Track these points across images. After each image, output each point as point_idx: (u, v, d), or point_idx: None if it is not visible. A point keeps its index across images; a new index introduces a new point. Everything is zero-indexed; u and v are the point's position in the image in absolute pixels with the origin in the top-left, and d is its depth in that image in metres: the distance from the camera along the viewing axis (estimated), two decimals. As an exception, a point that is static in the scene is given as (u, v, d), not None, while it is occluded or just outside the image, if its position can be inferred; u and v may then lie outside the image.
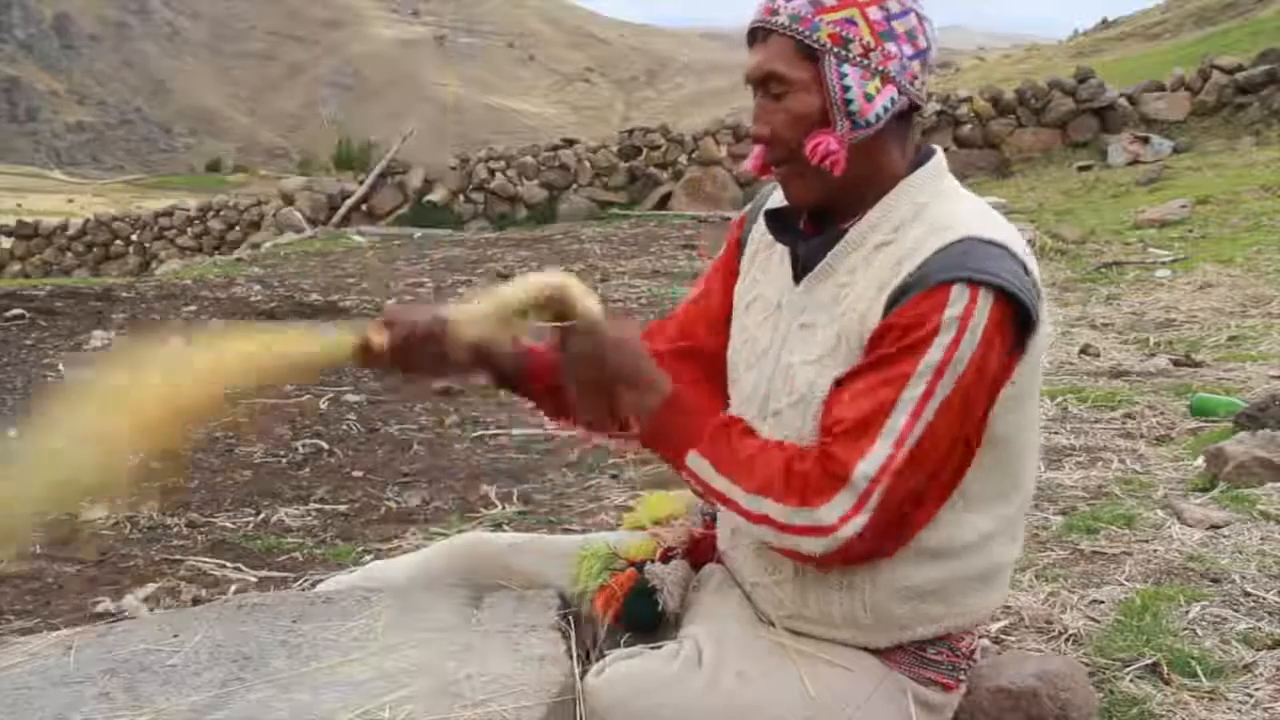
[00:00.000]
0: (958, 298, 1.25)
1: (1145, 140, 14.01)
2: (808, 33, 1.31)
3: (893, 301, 1.29)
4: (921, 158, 1.41)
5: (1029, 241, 8.83)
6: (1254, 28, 25.57)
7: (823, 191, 1.38)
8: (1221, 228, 8.83)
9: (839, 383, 1.33)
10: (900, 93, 1.33)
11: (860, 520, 1.25)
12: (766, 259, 1.52)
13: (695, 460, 1.34)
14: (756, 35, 1.36)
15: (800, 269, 1.43)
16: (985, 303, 1.25)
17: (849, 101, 1.31)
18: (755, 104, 1.38)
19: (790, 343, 1.42)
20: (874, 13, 1.31)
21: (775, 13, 1.33)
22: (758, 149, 1.43)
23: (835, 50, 1.31)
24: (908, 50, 1.33)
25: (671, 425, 1.36)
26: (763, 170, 1.44)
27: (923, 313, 1.26)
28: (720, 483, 1.32)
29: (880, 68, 1.31)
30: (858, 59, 1.31)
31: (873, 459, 1.25)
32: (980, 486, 1.35)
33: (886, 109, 1.33)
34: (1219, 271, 7.05)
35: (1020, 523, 1.47)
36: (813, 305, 1.40)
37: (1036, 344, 1.33)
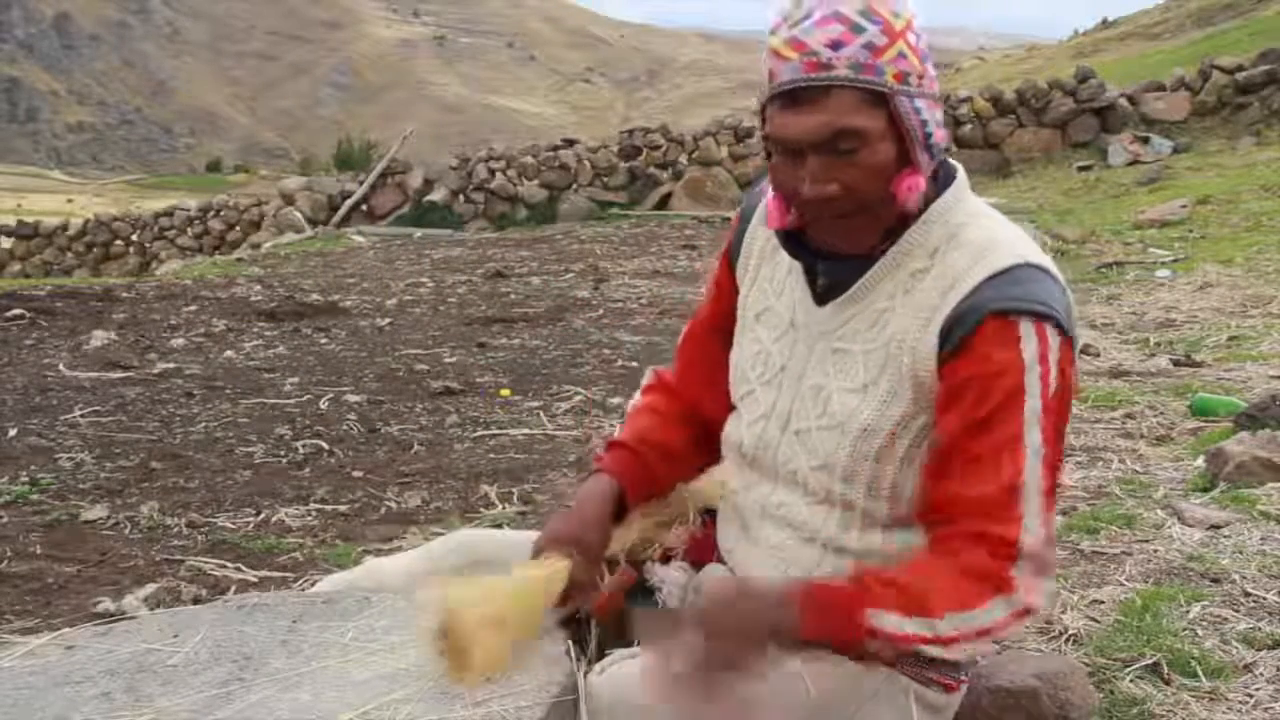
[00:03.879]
0: (1027, 335, 1.25)
1: (1145, 140, 14.02)
2: (876, 80, 1.24)
3: (946, 333, 1.29)
4: (945, 178, 1.38)
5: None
6: (1254, 28, 25.56)
7: (879, 230, 1.34)
8: (1221, 228, 8.84)
9: (937, 454, 1.30)
10: (940, 110, 1.33)
11: (1048, 585, 1.26)
12: (772, 270, 1.50)
13: (877, 616, 1.21)
14: (807, 94, 1.25)
15: (822, 290, 1.41)
16: (1054, 337, 1.26)
17: (929, 135, 1.29)
18: (809, 163, 1.27)
19: (821, 366, 1.40)
20: (911, 39, 1.28)
21: (828, 66, 1.24)
22: (777, 200, 1.36)
23: (901, 88, 1.26)
24: (932, 69, 1.31)
25: (827, 610, 1.23)
26: (787, 223, 1.37)
27: (1002, 359, 1.25)
28: (912, 626, 1.22)
29: (932, 91, 1.30)
30: (918, 89, 1.27)
31: (1031, 522, 1.24)
32: None
33: (942, 129, 1.33)
34: (1219, 271, 7.06)
35: None
36: (846, 331, 1.39)
37: None
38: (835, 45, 1.24)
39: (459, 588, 1.32)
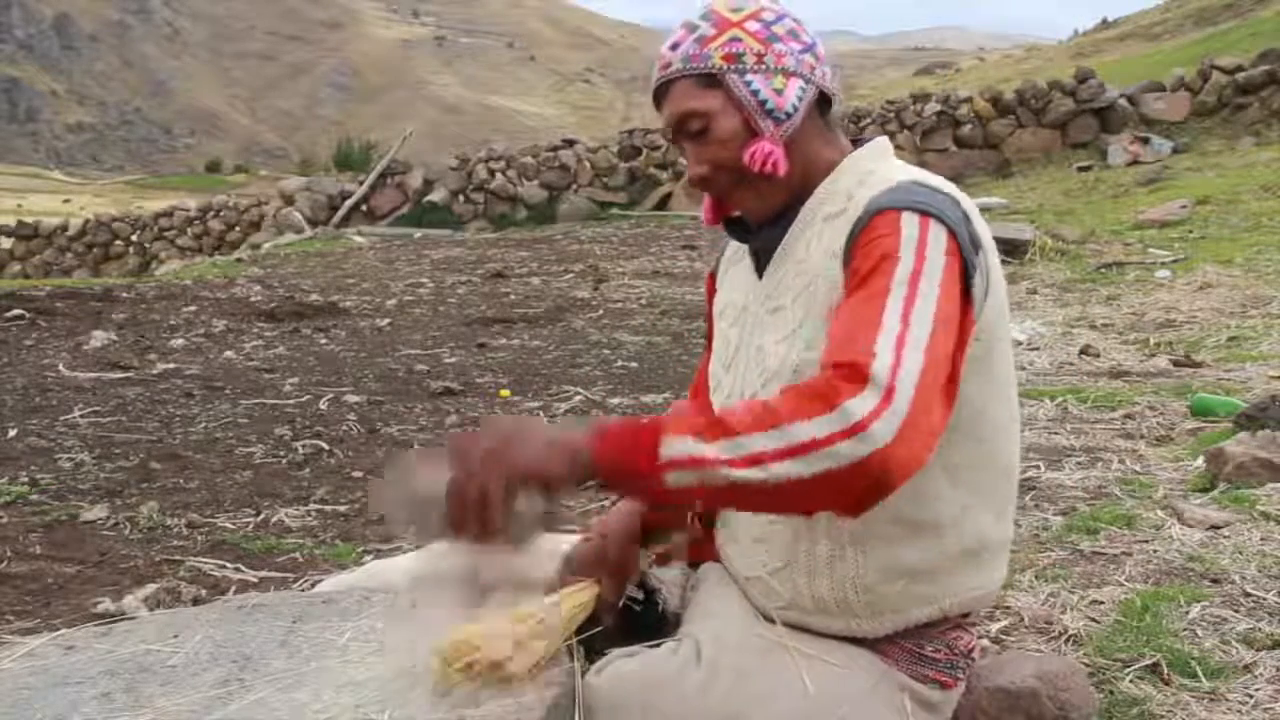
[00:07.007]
0: (909, 222, 1.28)
1: (1145, 140, 14.04)
2: (702, 65, 1.40)
3: (849, 245, 1.32)
4: (864, 142, 1.49)
5: (1028, 241, 8.74)
6: (1254, 28, 25.59)
7: (777, 197, 1.43)
8: (1221, 228, 8.84)
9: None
10: (806, 82, 1.41)
11: (892, 419, 1.13)
12: (736, 273, 1.57)
13: (671, 443, 1.15)
14: (661, 93, 1.44)
15: (760, 261, 1.49)
16: (938, 230, 1.28)
17: (764, 102, 1.39)
18: (686, 153, 1.45)
19: (762, 329, 1.45)
20: (752, 26, 1.40)
21: (668, 65, 1.42)
22: (706, 199, 1.51)
23: (732, 68, 1.39)
24: (796, 47, 1.41)
25: (623, 439, 1.18)
26: (717, 217, 1.52)
27: (881, 234, 1.28)
28: (713, 448, 1.15)
29: (778, 66, 1.40)
30: (755, 66, 1.39)
31: (881, 356, 1.17)
32: (955, 455, 1.35)
33: (800, 98, 1.41)
34: (1219, 272, 7.06)
35: (1007, 504, 1.47)
36: (779, 288, 1.44)
37: (993, 303, 1.34)
38: (674, 46, 1.42)
39: (489, 618, 1.33)
